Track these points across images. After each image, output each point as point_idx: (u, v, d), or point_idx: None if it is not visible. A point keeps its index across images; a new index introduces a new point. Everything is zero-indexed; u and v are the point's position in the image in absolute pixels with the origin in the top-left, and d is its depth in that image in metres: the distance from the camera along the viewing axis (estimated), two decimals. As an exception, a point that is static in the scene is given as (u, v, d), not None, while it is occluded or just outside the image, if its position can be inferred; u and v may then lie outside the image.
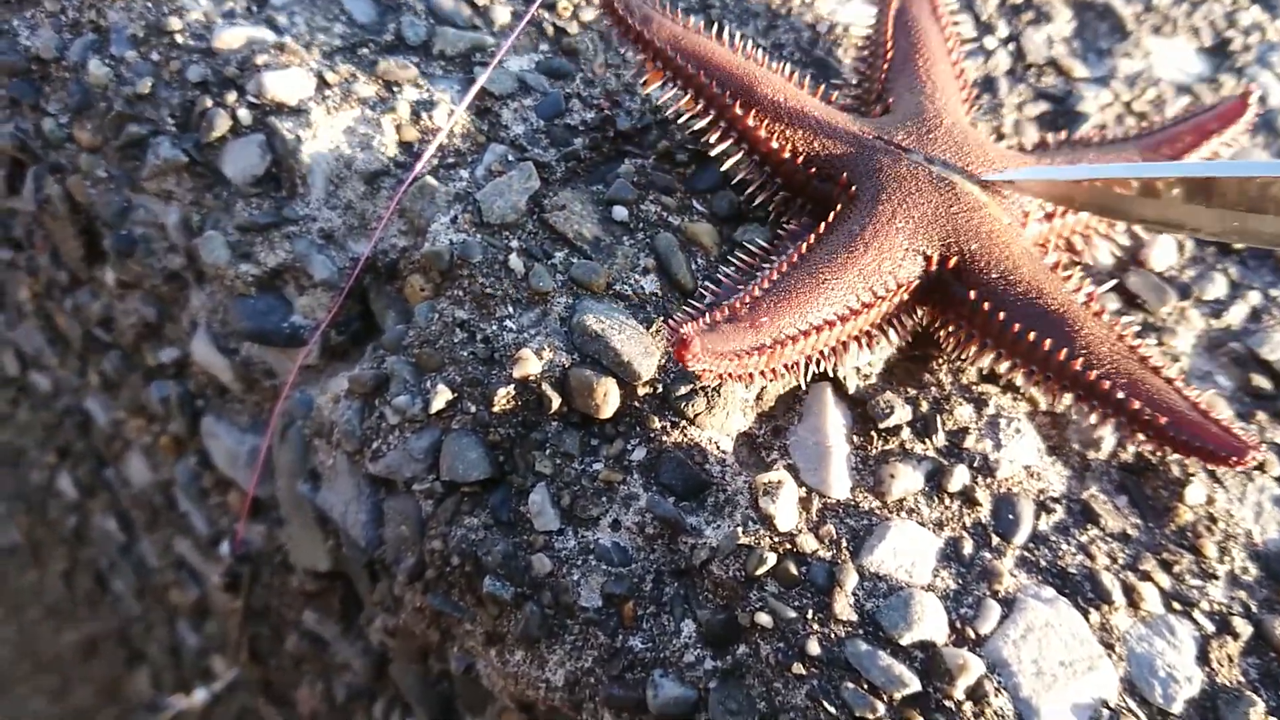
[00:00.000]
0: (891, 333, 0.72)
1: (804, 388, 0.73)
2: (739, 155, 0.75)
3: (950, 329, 0.73)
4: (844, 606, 0.64)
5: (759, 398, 0.72)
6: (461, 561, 0.71)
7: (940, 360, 0.76)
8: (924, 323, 0.74)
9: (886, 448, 0.71)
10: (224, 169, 0.81)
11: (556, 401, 0.70)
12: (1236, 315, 0.82)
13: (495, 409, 0.71)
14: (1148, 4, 1.00)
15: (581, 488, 0.69)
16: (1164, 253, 0.85)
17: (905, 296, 0.71)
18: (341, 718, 0.97)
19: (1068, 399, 0.70)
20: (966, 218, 0.72)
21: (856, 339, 0.70)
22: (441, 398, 0.71)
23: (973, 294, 0.70)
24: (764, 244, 0.74)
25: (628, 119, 0.83)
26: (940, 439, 0.72)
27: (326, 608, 0.91)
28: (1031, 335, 0.68)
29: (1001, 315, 0.69)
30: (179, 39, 0.82)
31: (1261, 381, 0.78)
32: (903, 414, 0.72)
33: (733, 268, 0.72)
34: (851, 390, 0.73)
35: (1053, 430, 0.75)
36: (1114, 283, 0.81)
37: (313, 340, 0.80)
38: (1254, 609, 0.67)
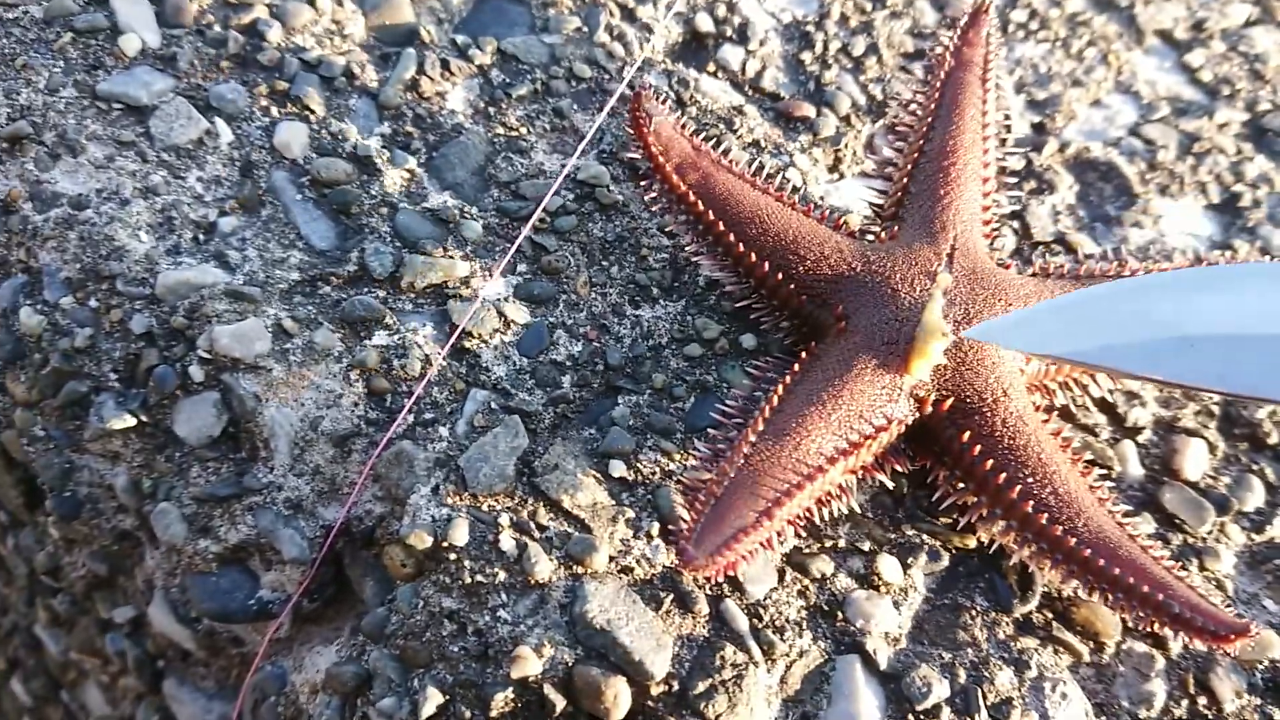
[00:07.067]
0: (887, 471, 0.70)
1: (832, 664, 0.67)
2: (741, 283, 0.76)
3: (943, 474, 0.71)
4: None
5: (783, 681, 0.66)
6: None
7: (974, 612, 0.70)
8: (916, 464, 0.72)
9: (927, 734, 0.65)
10: (176, 429, 0.73)
11: (561, 704, 0.63)
12: (1279, 527, 0.77)
13: (493, 714, 0.63)
14: (1152, 161, 0.95)
15: (595, 804, 0.62)
16: (1196, 458, 0.79)
17: (897, 433, 0.69)
18: None
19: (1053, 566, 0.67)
20: (964, 358, 0.70)
21: (855, 474, 0.68)
22: (432, 702, 0.64)
23: (965, 438, 0.68)
24: (751, 376, 0.73)
25: (618, 349, 0.76)
26: (983, 717, 0.66)
27: None
28: (1016, 491, 0.66)
29: (989, 464, 0.67)
30: (119, 285, 0.75)
31: (1313, 607, 0.73)
32: (940, 690, 0.66)
33: (723, 415, 0.70)
34: (883, 665, 0.67)
35: (1098, 685, 0.69)
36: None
37: (283, 615, 0.72)
38: None
